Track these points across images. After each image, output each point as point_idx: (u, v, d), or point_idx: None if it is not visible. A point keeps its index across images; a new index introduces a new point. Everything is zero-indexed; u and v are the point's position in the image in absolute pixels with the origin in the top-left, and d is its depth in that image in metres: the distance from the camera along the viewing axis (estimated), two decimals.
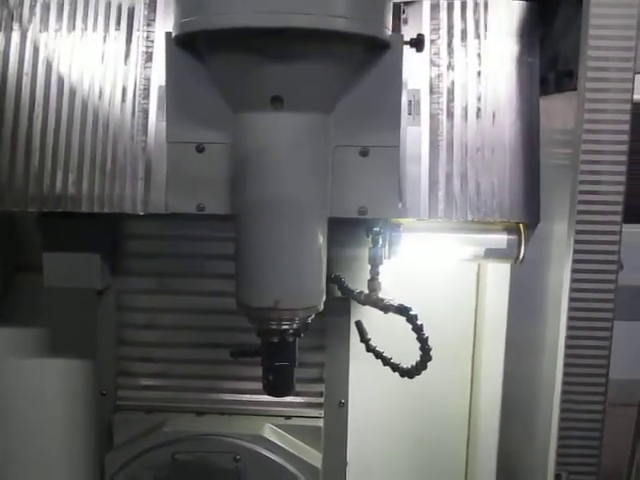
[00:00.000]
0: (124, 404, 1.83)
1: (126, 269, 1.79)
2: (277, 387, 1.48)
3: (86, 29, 1.60)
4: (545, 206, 1.57)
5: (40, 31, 1.60)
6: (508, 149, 1.57)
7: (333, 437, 1.83)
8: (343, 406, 1.83)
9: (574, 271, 1.41)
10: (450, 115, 1.57)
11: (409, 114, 1.56)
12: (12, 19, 1.61)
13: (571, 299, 1.42)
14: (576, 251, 1.40)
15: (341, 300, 1.75)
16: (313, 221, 1.35)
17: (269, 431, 1.75)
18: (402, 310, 1.57)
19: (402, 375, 1.64)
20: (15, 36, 1.60)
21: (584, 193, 1.39)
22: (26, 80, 1.59)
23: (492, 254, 1.63)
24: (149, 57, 1.59)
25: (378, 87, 1.33)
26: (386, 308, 1.59)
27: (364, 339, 1.70)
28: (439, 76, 1.58)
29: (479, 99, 1.57)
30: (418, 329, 1.56)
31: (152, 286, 1.79)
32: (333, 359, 1.80)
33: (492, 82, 1.58)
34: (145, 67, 1.58)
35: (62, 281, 1.72)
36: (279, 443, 1.72)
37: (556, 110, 1.60)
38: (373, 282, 1.62)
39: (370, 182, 1.38)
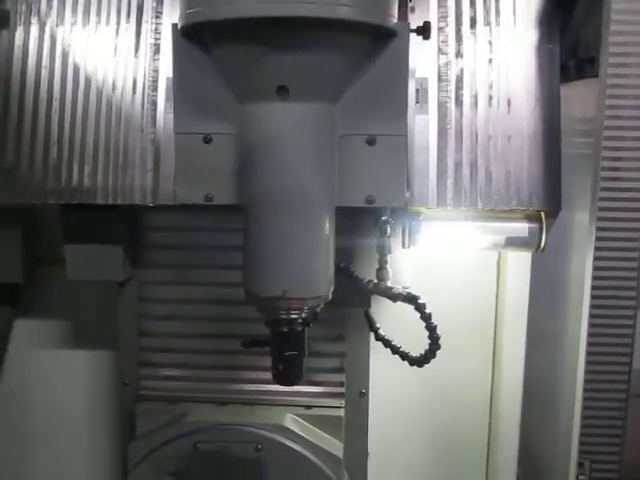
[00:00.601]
0: (146, 394, 1.84)
1: (147, 261, 1.80)
2: (286, 376, 1.49)
3: (99, 22, 1.61)
4: (567, 194, 1.56)
5: (57, 25, 1.62)
6: (526, 137, 1.56)
7: (354, 427, 1.83)
8: (364, 396, 1.82)
9: (596, 259, 1.41)
10: (459, 103, 1.56)
11: (417, 102, 1.56)
12: (30, 13, 1.62)
13: (593, 287, 1.42)
14: (598, 238, 1.40)
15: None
16: (320, 210, 1.35)
17: (290, 421, 1.75)
18: (410, 299, 1.57)
19: (411, 364, 1.65)
20: (34, 30, 1.62)
21: (606, 180, 1.39)
22: (45, 74, 1.61)
23: (513, 242, 1.62)
24: (157, 49, 1.60)
25: (384, 76, 1.33)
26: (395, 297, 1.59)
27: (373, 328, 1.71)
28: (447, 64, 1.57)
29: (490, 87, 1.56)
30: (426, 318, 1.56)
31: (172, 278, 1.79)
32: (353, 349, 1.80)
33: (507, 70, 1.57)
34: (154, 59, 1.60)
35: (84, 273, 1.73)
36: (300, 432, 1.72)
37: (577, 98, 1.59)
38: (382, 271, 1.62)
39: (377, 171, 1.38)
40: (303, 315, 1.41)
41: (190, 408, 1.78)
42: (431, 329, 1.57)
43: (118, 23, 1.61)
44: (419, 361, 1.63)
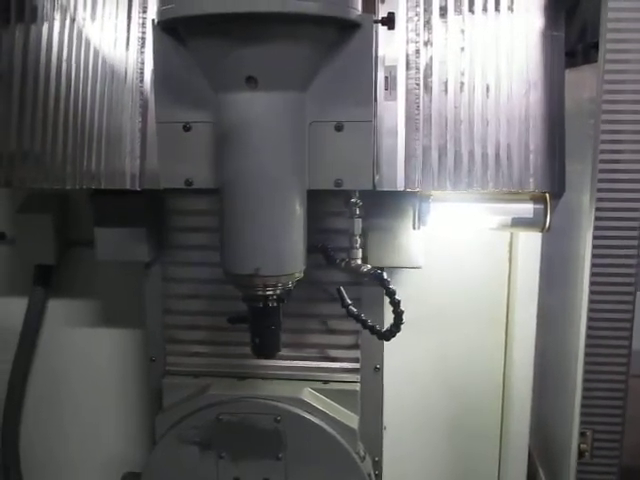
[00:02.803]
0: (172, 369, 1.92)
1: (172, 243, 1.87)
2: (263, 349, 1.60)
3: (103, 17, 1.70)
4: (572, 176, 1.60)
5: (72, 20, 1.71)
6: (517, 121, 1.58)
7: (370, 401, 1.89)
8: (378, 371, 1.88)
9: (595, 237, 1.45)
10: (428, 90, 1.60)
11: (386, 89, 1.60)
12: (54, 9, 1.71)
13: (593, 265, 1.47)
14: (597, 218, 1.44)
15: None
16: (290, 193, 1.44)
17: (308, 394, 1.82)
18: (376, 276, 1.64)
19: (379, 338, 1.73)
20: (56, 25, 1.71)
21: (605, 162, 1.43)
22: (65, 67, 1.70)
23: (519, 223, 1.67)
24: (143, 42, 1.68)
25: (350, 65, 1.40)
26: (364, 274, 1.67)
27: (344, 304, 1.75)
28: (416, 52, 1.61)
29: (462, 74, 1.59)
30: (391, 294, 1.65)
31: (196, 259, 1.86)
32: None
33: (489, 56, 1.59)
34: (141, 52, 1.67)
35: (112, 255, 1.82)
36: (317, 405, 1.79)
37: (584, 81, 1.63)
38: (352, 250, 1.67)
39: (345, 155, 1.45)
40: (277, 292, 1.51)
41: (213, 382, 1.86)
42: (395, 304, 1.65)
43: (117, 17, 1.69)
44: (385, 335, 1.70)
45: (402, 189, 1.60)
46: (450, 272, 1.90)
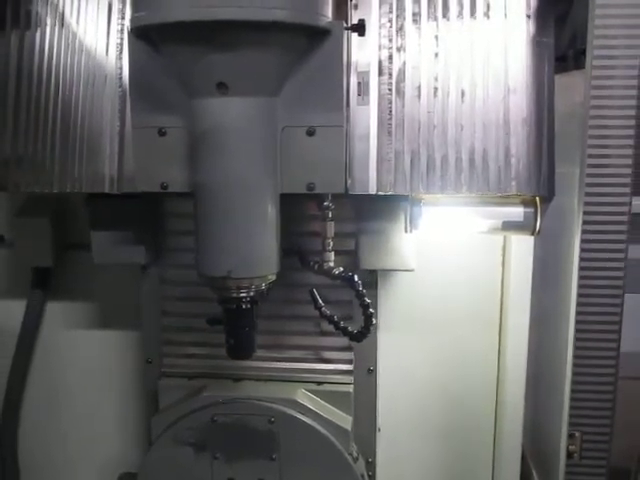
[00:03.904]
0: (168, 371, 1.94)
1: (168, 245, 1.89)
2: (237, 350, 1.62)
3: (86, 23, 1.72)
4: (566, 180, 1.61)
5: (61, 26, 1.73)
6: (494, 126, 1.59)
7: (363, 402, 1.91)
8: (372, 373, 1.90)
9: (583, 241, 1.47)
10: (401, 95, 1.61)
11: (359, 95, 1.62)
12: (46, 15, 1.73)
13: (581, 268, 1.49)
14: (585, 222, 1.46)
15: (369, 273, 1.82)
16: (262, 196, 1.46)
17: (302, 395, 1.84)
18: (347, 279, 1.68)
19: (351, 339, 1.76)
20: (46, 31, 1.73)
21: (592, 167, 1.45)
22: (47, 72, 1.72)
23: (509, 226, 1.69)
24: (122, 49, 1.70)
25: (321, 71, 1.42)
26: (335, 277, 1.69)
27: (317, 306, 1.78)
28: (389, 58, 1.62)
29: (436, 79, 1.60)
30: (360, 296, 1.69)
31: (192, 261, 1.84)
32: None
33: (464, 62, 1.60)
34: (119, 58, 1.69)
35: (109, 257, 1.83)
36: (311, 407, 1.81)
37: (575, 86, 1.64)
38: (324, 253, 1.68)
39: (317, 160, 1.47)
40: (250, 294, 1.53)
41: (208, 384, 1.88)
42: (364, 306, 1.69)
43: (97, 23, 1.71)
44: (357, 336, 1.74)
45: (374, 192, 1.61)
46: (444, 275, 1.92)
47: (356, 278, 1.68)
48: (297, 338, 1.89)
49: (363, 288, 1.69)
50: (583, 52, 1.58)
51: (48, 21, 1.73)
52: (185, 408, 1.83)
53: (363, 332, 1.72)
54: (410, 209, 1.68)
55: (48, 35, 1.72)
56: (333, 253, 1.68)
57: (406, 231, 1.71)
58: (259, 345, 1.88)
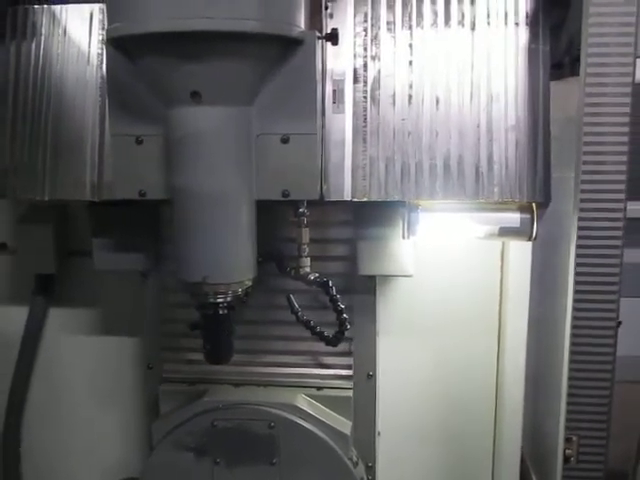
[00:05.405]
0: (169, 377, 1.96)
1: (169, 253, 1.89)
2: (215, 355, 1.63)
3: (70, 33, 1.76)
4: (564, 185, 1.61)
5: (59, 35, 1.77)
6: (472, 132, 1.60)
7: (363, 407, 1.92)
8: (371, 378, 1.91)
9: (579, 246, 1.48)
10: (376, 102, 1.63)
11: (334, 102, 1.64)
12: (41, 25, 1.77)
13: (577, 273, 1.50)
14: (581, 227, 1.47)
15: (368, 279, 1.84)
16: (237, 203, 1.48)
17: (301, 401, 1.85)
18: (322, 283, 1.71)
19: (327, 344, 1.80)
20: (48, 42, 1.77)
21: (587, 173, 1.46)
22: (32, 82, 1.76)
23: (506, 232, 1.70)
24: (102, 58, 1.72)
25: (295, 80, 1.44)
26: (311, 282, 1.71)
27: (294, 311, 1.81)
28: (364, 66, 1.64)
29: (411, 87, 1.62)
30: (335, 301, 1.73)
31: None
32: (361, 333, 1.88)
33: (437, 70, 1.63)
34: (100, 67, 1.73)
35: (110, 264, 1.85)
36: (310, 411, 1.82)
37: (570, 93, 1.66)
38: (300, 259, 1.70)
39: (292, 167, 1.49)
40: (227, 299, 1.55)
41: (209, 389, 1.90)
42: (338, 311, 1.73)
43: (80, 33, 1.75)
44: (332, 341, 1.78)
45: (349, 199, 1.63)
46: (443, 280, 1.93)
47: (330, 283, 1.71)
48: (297, 343, 1.90)
49: (337, 293, 1.73)
50: (579, 59, 1.60)
51: (43, 31, 1.76)
52: (186, 413, 1.84)
53: (338, 337, 1.75)
54: (408, 215, 1.70)
55: (43, 46, 1.76)
56: (309, 259, 1.69)
57: (404, 237, 1.72)
58: (258, 350, 1.91)
